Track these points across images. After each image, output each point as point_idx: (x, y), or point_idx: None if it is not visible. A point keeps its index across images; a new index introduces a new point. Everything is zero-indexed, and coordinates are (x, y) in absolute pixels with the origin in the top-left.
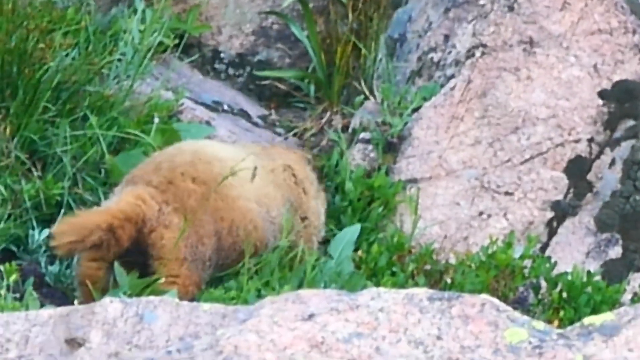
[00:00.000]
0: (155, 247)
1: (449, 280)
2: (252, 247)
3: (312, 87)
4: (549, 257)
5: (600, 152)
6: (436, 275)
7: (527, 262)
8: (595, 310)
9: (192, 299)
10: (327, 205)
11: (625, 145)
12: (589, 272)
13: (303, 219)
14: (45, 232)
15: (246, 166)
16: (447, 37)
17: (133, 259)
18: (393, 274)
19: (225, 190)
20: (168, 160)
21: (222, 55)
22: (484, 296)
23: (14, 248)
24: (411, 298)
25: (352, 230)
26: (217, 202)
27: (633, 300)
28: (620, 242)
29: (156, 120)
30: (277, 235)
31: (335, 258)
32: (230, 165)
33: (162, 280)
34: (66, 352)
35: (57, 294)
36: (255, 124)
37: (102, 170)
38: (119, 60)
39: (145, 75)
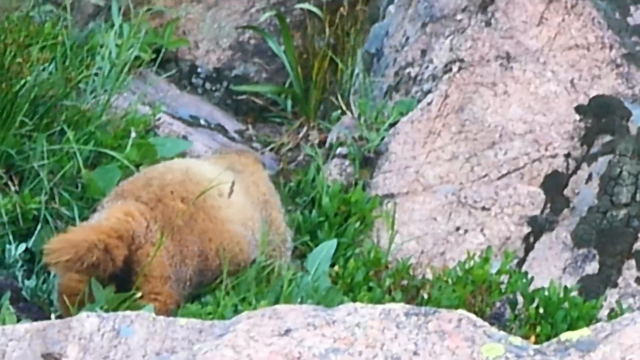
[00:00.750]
0: (140, 264)
1: (425, 296)
2: (235, 267)
3: (289, 102)
4: (526, 273)
5: (577, 168)
6: (413, 290)
7: (504, 278)
8: (572, 326)
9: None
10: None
11: (602, 161)
12: (565, 287)
13: (278, 234)
14: (22, 246)
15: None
16: (424, 52)
17: (112, 273)
18: (370, 289)
19: (214, 212)
20: (158, 177)
21: (199, 69)
22: (461, 311)
23: None
24: (388, 313)
25: (329, 246)
26: (206, 223)
27: (610, 316)
28: (597, 257)
29: (133, 134)
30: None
31: (311, 273)
32: (219, 187)
33: (139, 295)
34: None
35: (33, 308)
36: (232, 139)
37: (79, 185)
38: (96, 74)
39: (122, 90)
